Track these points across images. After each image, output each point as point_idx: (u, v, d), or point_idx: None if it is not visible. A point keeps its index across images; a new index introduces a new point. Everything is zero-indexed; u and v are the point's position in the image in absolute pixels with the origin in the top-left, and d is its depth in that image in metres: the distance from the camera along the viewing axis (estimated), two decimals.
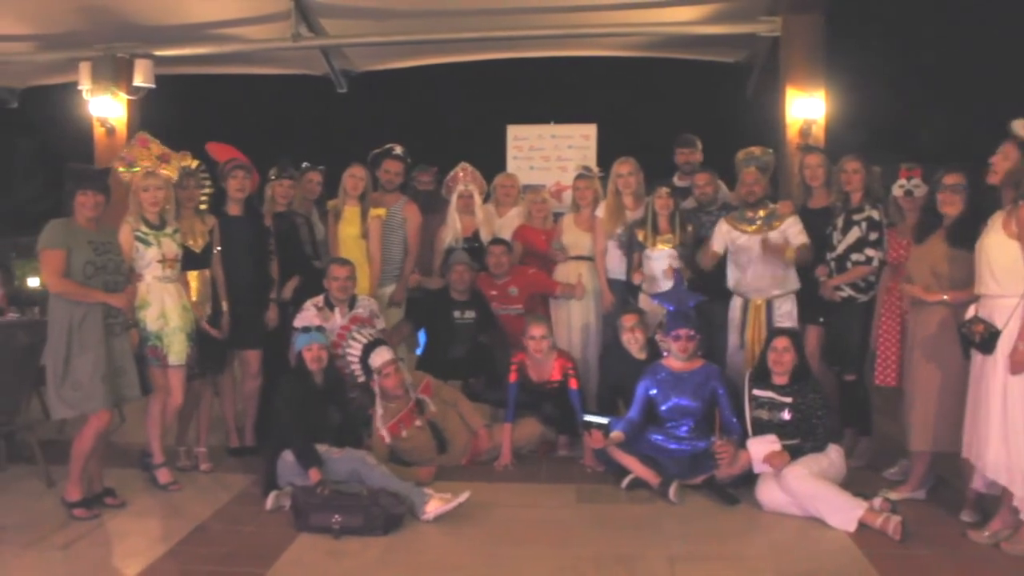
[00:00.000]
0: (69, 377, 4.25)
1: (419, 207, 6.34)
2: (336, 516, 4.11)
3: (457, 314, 5.88)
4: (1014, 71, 9.33)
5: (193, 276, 5.10)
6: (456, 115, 10.67)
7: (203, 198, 5.35)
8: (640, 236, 5.70)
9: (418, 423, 5.09)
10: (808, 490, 4.27)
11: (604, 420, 4.98)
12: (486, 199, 6.57)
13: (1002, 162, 3.93)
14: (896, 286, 4.74)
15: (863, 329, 5.06)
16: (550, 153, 7.63)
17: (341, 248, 5.94)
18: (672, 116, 8.61)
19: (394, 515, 4.19)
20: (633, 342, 5.31)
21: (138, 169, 4.93)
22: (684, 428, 4.97)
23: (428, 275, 6.29)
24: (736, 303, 5.46)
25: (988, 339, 3.81)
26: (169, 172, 4.96)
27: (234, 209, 5.42)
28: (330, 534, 4.09)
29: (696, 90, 9.55)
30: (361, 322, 5.35)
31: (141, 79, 7.87)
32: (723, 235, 5.49)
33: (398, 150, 6.37)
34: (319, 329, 5.08)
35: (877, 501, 4.22)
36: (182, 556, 3.91)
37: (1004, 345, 3.78)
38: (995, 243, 3.86)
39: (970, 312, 3.95)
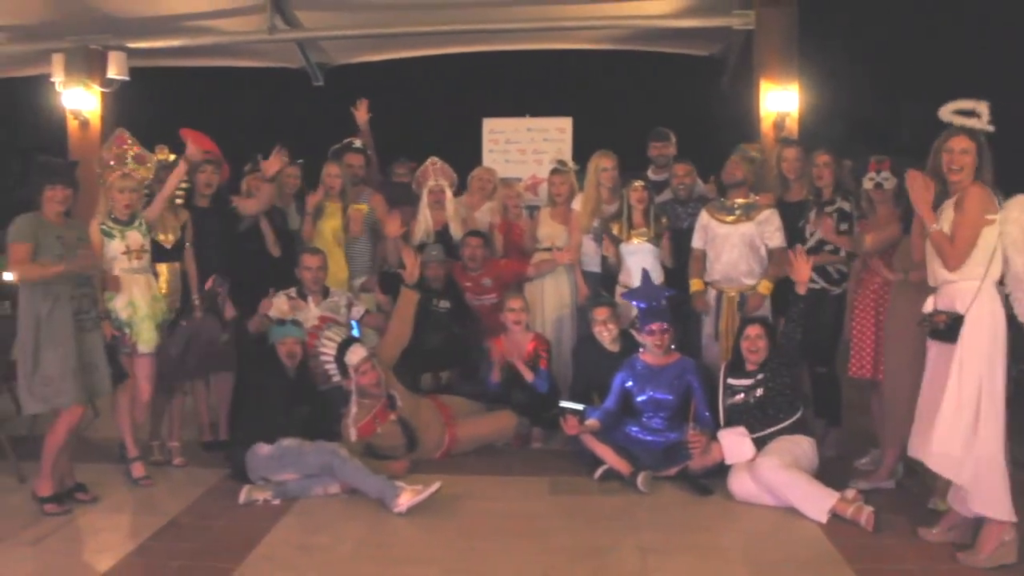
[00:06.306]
0: (38, 371, 4.23)
1: (393, 198, 6.36)
2: None
3: (434, 302, 5.88)
4: (987, 60, 9.41)
5: (163, 269, 5.09)
6: (432, 108, 10.62)
7: (179, 193, 5.33)
8: (615, 230, 5.72)
9: (392, 418, 5.08)
10: (780, 480, 4.30)
11: (579, 407, 5.01)
12: (460, 191, 6.59)
13: (964, 158, 3.77)
14: (869, 278, 4.78)
15: (835, 321, 5.09)
16: (526, 146, 7.63)
17: (319, 242, 5.92)
18: (647, 110, 8.60)
19: None
20: (605, 334, 5.35)
21: (117, 169, 4.91)
22: (659, 420, 5.00)
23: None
24: (711, 294, 5.49)
25: (952, 326, 3.73)
26: (144, 173, 4.97)
27: (202, 203, 5.44)
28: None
29: (671, 84, 9.55)
30: (331, 322, 5.32)
31: (115, 71, 7.81)
32: (702, 228, 5.50)
33: (358, 143, 6.44)
34: (295, 322, 5.07)
35: (849, 492, 4.25)
36: (153, 552, 3.89)
37: (967, 331, 3.69)
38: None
39: (928, 306, 3.89)
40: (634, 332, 5.29)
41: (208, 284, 5.12)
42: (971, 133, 3.80)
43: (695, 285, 5.53)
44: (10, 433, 5.05)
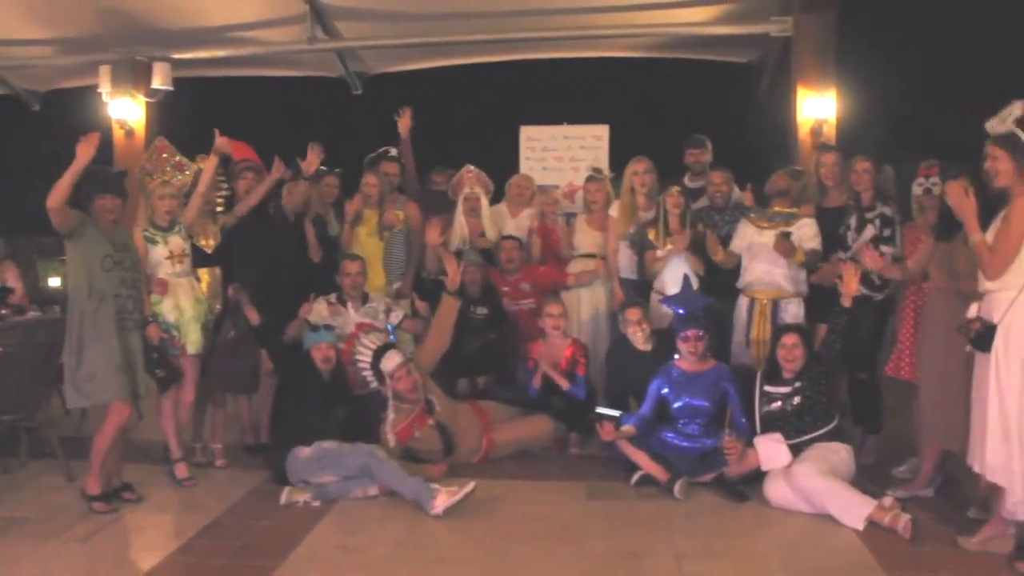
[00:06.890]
0: (82, 368, 4.35)
1: (431, 206, 6.42)
2: None
3: (471, 308, 5.93)
4: None
5: (204, 273, 5.23)
6: (470, 116, 10.66)
7: (219, 200, 5.45)
8: (651, 235, 5.73)
9: (430, 422, 5.12)
10: (817, 487, 4.29)
11: (616, 413, 5.03)
12: (497, 199, 6.64)
13: (996, 164, 3.76)
14: (915, 281, 4.73)
15: (877, 327, 5.06)
16: (563, 154, 7.65)
17: (357, 249, 6.00)
18: (684, 117, 8.58)
19: None
20: (639, 334, 5.38)
21: (156, 177, 5.06)
22: (695, 426, 5.00)
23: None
24: (743, 302, 5.47)
25: (984, 335, 3.71)
26: (183, 180, 5.10)
27: (242, 209, 5.53)
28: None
29: (708, 91, 9.51)
30: (369, 328, 5.39)
31: (159, 82, 7.98)
32: (741, 236, 5.51)
33: (393, 152, 6.51)
34: (328, 328, 5.15)
35: (887, 500, 4.23)
36: (196, 551, 3.99)
37: (999, 342, 3.67)
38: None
39: (972, 311, 3.86)
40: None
41: (230, 292, 5.24)
42: (998, 139, 3.79)
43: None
44: (59, 433, 5.18)
